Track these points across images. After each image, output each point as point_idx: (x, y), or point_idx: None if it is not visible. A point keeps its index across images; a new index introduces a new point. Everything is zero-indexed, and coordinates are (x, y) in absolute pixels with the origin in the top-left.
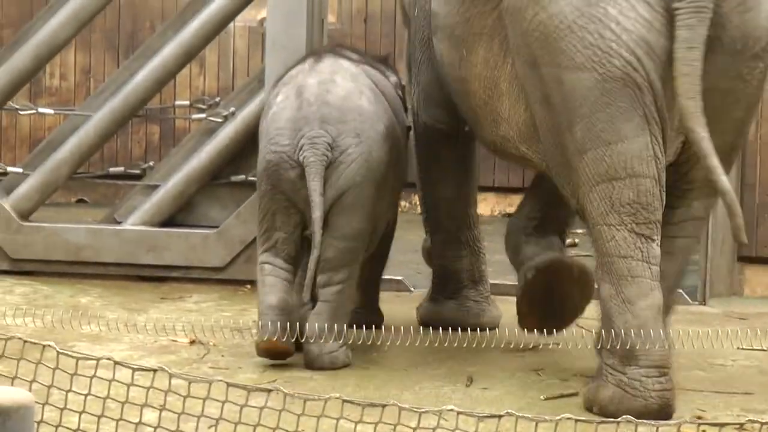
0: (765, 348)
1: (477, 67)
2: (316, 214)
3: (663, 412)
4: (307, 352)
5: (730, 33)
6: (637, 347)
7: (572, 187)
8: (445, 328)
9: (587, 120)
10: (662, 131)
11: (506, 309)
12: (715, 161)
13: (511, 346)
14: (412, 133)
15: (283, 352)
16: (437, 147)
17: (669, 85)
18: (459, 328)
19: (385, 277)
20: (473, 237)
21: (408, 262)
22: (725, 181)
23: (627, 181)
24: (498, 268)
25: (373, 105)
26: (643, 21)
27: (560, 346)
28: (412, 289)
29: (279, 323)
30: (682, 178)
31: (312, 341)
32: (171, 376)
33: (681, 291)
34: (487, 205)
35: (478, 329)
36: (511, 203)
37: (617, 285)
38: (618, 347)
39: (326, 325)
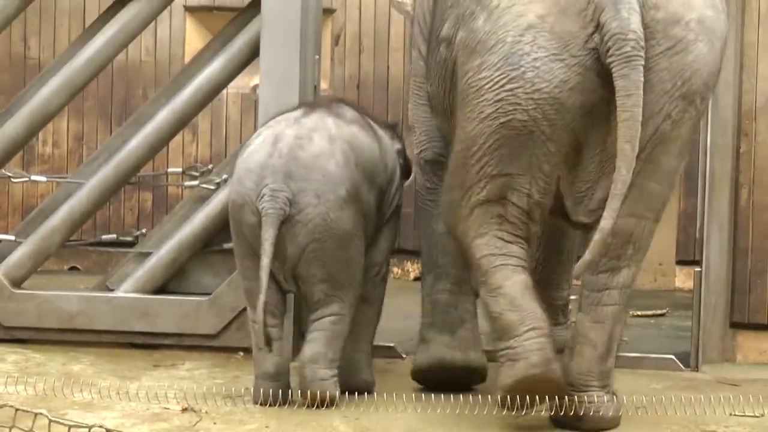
0: (758, 414)
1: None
2: (264, 261)
3: (544, 366)
4: (300, 376)
5: (659, 75)
6: (516, 320)
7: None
8: (439, 368)
9: (480, 161)
10: (548, 176)
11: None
12: (616, 204)
13: (506, 412)
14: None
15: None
16: (438, 180)
17: (577, 135)
18: (452, 365)
19: (377, 343)
20: (464, 276)
21: (400, 329)
22: (609, 224)
23: (498, 203)
24: None
25: (341, 168)
26: (557, 82)
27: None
28: (404, 356)
29: (272, 390)
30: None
31: (307, 366)
32: None
33: (673, 357)
34: None
35: (470, 366)
36: None
37: (485, 279)
38: (498, 330)
39: (321, 350)
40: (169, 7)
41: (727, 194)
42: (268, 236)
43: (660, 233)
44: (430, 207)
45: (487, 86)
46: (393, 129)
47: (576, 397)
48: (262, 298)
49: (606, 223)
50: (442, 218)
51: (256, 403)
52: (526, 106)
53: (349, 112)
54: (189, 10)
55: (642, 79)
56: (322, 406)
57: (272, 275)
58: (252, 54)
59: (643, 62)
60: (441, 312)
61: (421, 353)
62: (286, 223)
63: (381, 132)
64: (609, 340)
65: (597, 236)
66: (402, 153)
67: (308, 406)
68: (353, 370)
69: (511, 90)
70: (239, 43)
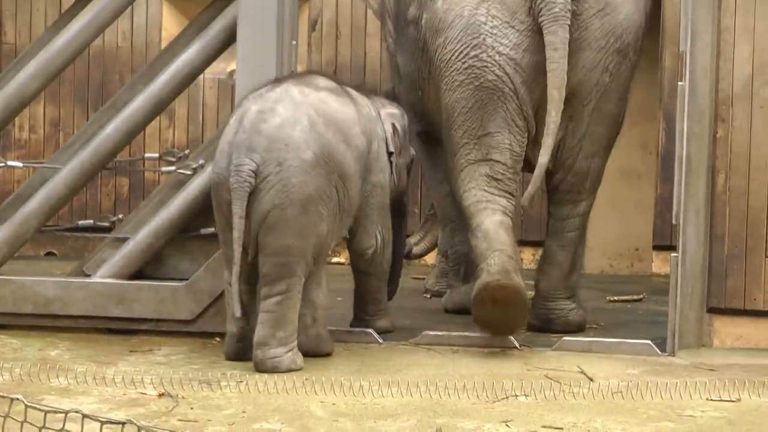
0: (734, 399)
1: (429, 102)
2: (235, 234)
3: (501, 275)
4: (253, 358)
5: (594, 34)
6: (485, 247)
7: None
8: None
9: (463, 123)
10: (520, 131)
11: (478, 361)
12: (550, 142)
13: (480, 397)
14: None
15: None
16: (432, 150)
17: (536, 94)
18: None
19: (353, 329)
20: None
21: None
22: (545, 159)
23: (485, 164)
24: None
25: (306, 133)
26: (512, 45)
27: (528, 398)
28: (381, 341)
29: (234, 349)
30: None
31: (257, 348)
32: (139, 428)
33: (650, 342)
34: None
35: None
36: None
37: (470, 222)
38: (476, 258)
39: (268, 332)
40: None
41: (703, 180)
42: (236, 210)
43: (637, 219)
44: (429, 172)
45: (454, 57)
46: (389, 98)
47: (546, 305)
48: (235, 269)
49: (543, 158)
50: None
51: (226, 357)
52: (492, 66)
53: (323, 81)
54: None
55: (567, 36)
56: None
57: (245, 246)
58: (229, 39)
59: (569, 22)
60: (461, 262)
61: (447, 297)
62: (253, 194)
63: (363, 101)
64: (572, 259)
65: (536, 171)
66: (401, 115)
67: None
68: (364, 322)
69: (476, 56)
70: (216, 28)
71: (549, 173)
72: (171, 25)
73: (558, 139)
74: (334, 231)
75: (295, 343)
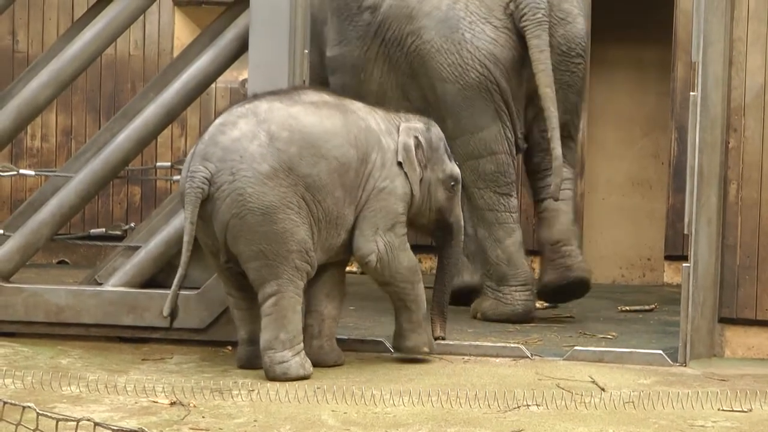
0: (745, 409)
1: (373, 85)
2: (185, 238)
3: (526, 315)
4: (263, 365)
5: (558, 39)
6: (510, 274)
7: None
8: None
9: (455, 116)
10: (510, 118)
11: (490, 371)
12: (557, 133)
13: (492, 407)
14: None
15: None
16: None
17: (513, 84)
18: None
19: (365, 338)
20: None
21: (388, 323)
22: (559, 149)
23: (488, 158)
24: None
25: (264, 147)
26: (490, 40)
27: (540, 407)
28: (392, 350)
29: (246, 354)
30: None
31: (264, 354)
32: None
33: (661, 352)
34: None
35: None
36: None
37: (489, 229)
38: (492, 273)
39: (271, 336)
40: (157, 1)
41: (715, 190)
42: (186, 215)
43: (648, 228)
44: None
45: (434, 50)
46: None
47: (563, 250)
48: (180, 271)
49: (556, 151)
50: None
51: (239, 366)
52: (474, 64)
53: (311, 96)
54: (177, 4)
55: (548, 38)
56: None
57: (216, 255)
58: (241, 48)
59: (548, 27)
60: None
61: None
62: (208, 202)
63: (365, 114)
64: (573, 211)
65: (555, 163)
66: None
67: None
68: (397, 339)
69: (457, 52)
70: (228, 37)
71: (527, 158)
72: (183, 33)
73: (529, 126)
74: (320, 240)
75: (302, 346)
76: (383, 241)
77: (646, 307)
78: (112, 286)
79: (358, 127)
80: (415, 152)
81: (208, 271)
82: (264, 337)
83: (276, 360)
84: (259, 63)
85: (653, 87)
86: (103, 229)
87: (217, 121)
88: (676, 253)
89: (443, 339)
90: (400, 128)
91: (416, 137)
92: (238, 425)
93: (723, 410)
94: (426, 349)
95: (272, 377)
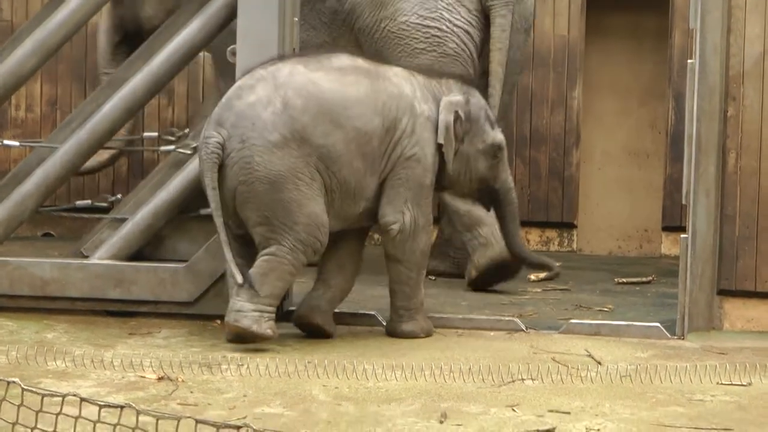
0: (744, 383)
1: None
2: (212, 206)
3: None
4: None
5: (515, 17)
6: (482, 215)
7: None
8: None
9: None
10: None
11: (484, 345)
12: (495, 111)
13: (486, 381)
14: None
15: (250, 336)
16: None
17: (479, 63)
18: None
19: (358, 311)
20: None
21: (380, 297)
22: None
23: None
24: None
25: (275, 115)
26: (465, 20)
27: (535, 382)
28: (384, 323)
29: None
30: None
31: (231, 297)
32: (138, 413)
33: (659, 325)
34: None
35: None
36: None
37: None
38: (464, 226)
39: (242, 282)
40: None
41: (714, 159)
42: (207, 181)
43: (646, 199)
44: None
45: (410, 28)
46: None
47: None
48: (222, 238)
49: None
50: None
51: (227, 340)
52: (452, 35)
53: (341, 60)
54: None
55: (511, 19)
56: (241, 339)
57: (226, 221)
58: (229, 16)
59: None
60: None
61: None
62: (222, 168)
63: (399, 80)
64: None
65: None
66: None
67: (228, 340)
68: (392, 323)
69: (436, 27)
70: (216, 4)
71: None
72: None
73: None
74: (334, 209)
75: (270, 308)
76: (410, 215)
77: (644, 279)
78: (98, 259)
79: (388, 94)
80: (454, 127)
81: (197, 243)
82: (239, 281)
83: (235, 306)
84: (248, 31)
85: (650, 55)
86: (89, 201)
87: (237, 83)
88: (673, 224)
89: (556, 274)
90: (441, 104)
91: (456, 112)
92: (227, 400)
93: (722, 384)
94: (422, 335)
95: (227, 322)
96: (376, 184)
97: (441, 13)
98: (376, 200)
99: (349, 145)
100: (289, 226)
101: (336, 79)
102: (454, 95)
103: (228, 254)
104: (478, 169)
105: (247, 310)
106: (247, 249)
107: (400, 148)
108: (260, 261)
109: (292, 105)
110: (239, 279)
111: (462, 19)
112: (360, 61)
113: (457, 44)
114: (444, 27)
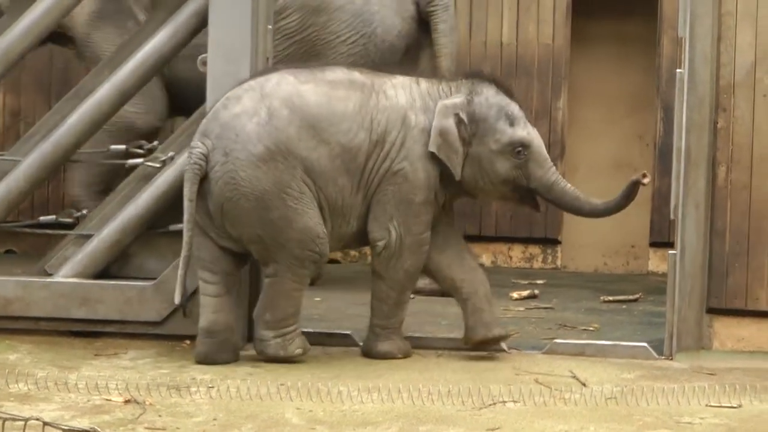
0: (734, 405)
1: None
2: (185, 217)
3: None
4: None
5: None
6: None
7: None
8: None
9: None
10: None
11: (464, 366)
12: None
13: (466, 404)
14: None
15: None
16: None
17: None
18: None
19: (332, 331)
20: None
21: (357, 316)
22: None
23: None
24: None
25: (260, 126)
26: (397, 33)
27: (517, 404)
28: (361, 344)
29: (205, 346)
30: None
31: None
32: None
33: (646, 345)
34: None
35: None
36: None
37: None
38: None
39: (259, 313)
40: None
41: (703, 172)
42: (185, 192)
43: (633, 214)
44: None
45: (340, 41)
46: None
47: None
48: (183, 253)
49: None
50: None
51: (197, 361)
52: (374, 55)
53: (336, 74)
54: None
55: (452, 23)
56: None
57: (207, 232)
58: (200, 24)
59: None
60: None
61: None
62: (206, 181)
63: (396, 91)
64: None
65: None
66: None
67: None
68: (369, 341)
69: (363, 45)
70: (186, 12)
71: None
72: None
73: None
74: (329, 231)
75: (290, 329)
76: (396, 234)
77: (630, 297)
78: (63, 277)
79: (379, 108)
80: (458, 131)
81: (166, 260)
82: (255, 312)
83: (257, 336)
84: (220, 40)
85: (638, 63)
86: (54, 216)
87: (227, 94)
88: (661, 240)
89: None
90: (436, 109)
91: (456, 115)
92: (196, 424)
93: (711, 406)
94: (399, 355)
95: (256, 351)
96: (363, 202)
97: (375, 29)
98: (367, 219)
99: (335, 161)
100: (282, 243)
101: (324, 92)
102: (453, 97)
103: (182, 270)
104: (497, 171)
105: (268, 338)
106: (236, 264)
107: (388, 163)
108: (265, 287)
109: (277, 116)
110: (176, 299)
111: (394, 34)
112: (356, 75)
113: (381, 40)
114: (370, 48)
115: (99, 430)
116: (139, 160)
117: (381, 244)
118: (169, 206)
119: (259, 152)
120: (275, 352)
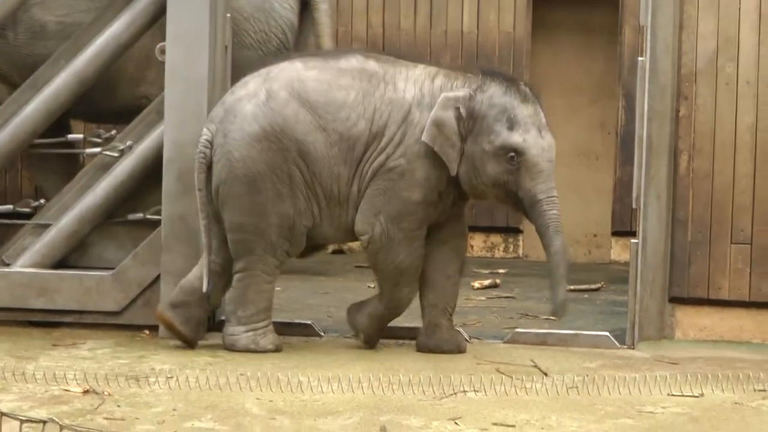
0: (696, 394)
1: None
2: (198, 206)
3: None
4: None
5: None
6: None
7: None
8: None
9: None
10: None
11: (425, 355)
12: None
13: (427, 393)
14: None
15: (176, 333)
16: None
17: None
18: None
19: (294, 321)
20: None
21: (317, 306)
22: None
23: None
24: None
25: (257, 107)
26: (290, 8)
27: (478, 394)
28: (322, 334)
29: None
30: None
31: (225, 323)
32: (62, 428)
33: (608, 334)
34: None
35: None
36: None
37: None
38: None
39: (230, 308)
40: None
41: (665, 161)
42: (196, 181)
43: (595, 203)
44: None
45: (243, 18)
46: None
47: None
48: (204, 240)
49: None
50: None
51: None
52: (277, 32)
53: (350, 62)
54: None
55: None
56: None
57: (218, 220)
58: (158, 12)
59: None
60: None
61: None
62: (211, 166)
63: (405, 85)
64: None
65: None
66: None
67: None
68: (356, 310)
69: (266, 21)
70: (144, 0)
71: None
72: None
73: None
74: (327, 219)
75: (262, 324)
76: (381, 229)
77: (592, 286)
78: (20, 267)
79: (384, 100)
80: (456, 124)
81: (124, 250)
82: (225, 309)
83: (228, 332)
84: (178, 28)
85: (601, 52)
86: (11, 206)
87: (236, 82)
88: (623, 229)
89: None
90: (438, 101)
91: (457, 108)
92: (156, 414)
93: (673, 395)
94: (367, 342)
95: (225, 346)
96: (360, 193)
97: (272, 4)
98: None
99: (332, 149)
100: (262, 229)
101: (327, 80)
102: (457, 90)
103: (205, 259)
104: (487, 172)
105: (239, 333)
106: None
107: (383, 157)
108: (234, 282)
109: (274, 97)
110: (204, 287)
111: (287, 8)
112: (371, 63)
113: (279, 41)
114: (272, 23)
115: (57, 420)
116: (97, 150)
117: (364, 238)
118: (128, 196)
119: (253, 131)
120: (245, 345)
